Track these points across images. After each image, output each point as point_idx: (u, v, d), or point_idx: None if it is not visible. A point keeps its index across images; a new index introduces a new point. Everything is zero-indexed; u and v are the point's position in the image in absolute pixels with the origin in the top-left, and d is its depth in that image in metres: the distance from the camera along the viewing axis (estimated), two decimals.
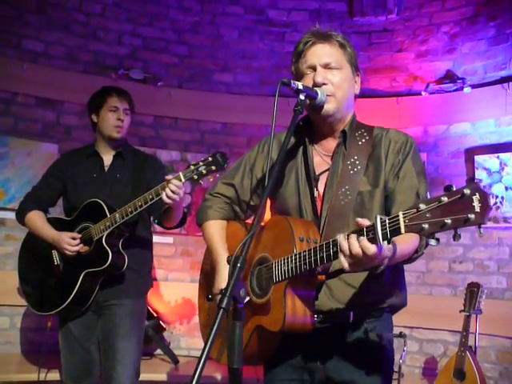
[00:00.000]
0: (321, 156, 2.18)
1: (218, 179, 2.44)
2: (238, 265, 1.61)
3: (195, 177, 2.81)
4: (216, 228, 2.32)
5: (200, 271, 2.49)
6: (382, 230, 1.59)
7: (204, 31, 5.62)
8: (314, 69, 2.09)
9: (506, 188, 4.63)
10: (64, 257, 3.33)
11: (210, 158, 2.79)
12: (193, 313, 5.02)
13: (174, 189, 2.85)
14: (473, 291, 4.11)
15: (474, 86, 4.92)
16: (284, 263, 1.96)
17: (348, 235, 1.69)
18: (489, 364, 4.58)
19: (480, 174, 4.72)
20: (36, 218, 3.45)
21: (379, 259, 1.68)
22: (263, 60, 5.61)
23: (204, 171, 2.79)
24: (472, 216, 1.41)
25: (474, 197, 1.41)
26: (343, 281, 2.04)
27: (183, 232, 5.24)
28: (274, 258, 2.03)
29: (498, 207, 4.62)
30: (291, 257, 1.94)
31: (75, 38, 5.25)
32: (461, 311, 4.09)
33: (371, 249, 1.62)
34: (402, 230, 1.54)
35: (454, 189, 1.46)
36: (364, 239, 1.63)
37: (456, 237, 1.47)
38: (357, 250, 1.64)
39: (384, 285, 2.08)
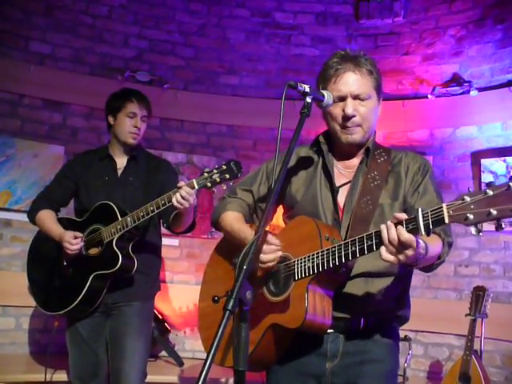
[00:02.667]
0: (339, 170, 2.24)
1: (234, 185, 2.45)
2: (244, 267, 1.60)
3: (209, 184, 2.80)
4: (237, 216, 2.32)
5: (204, 274, 2.48)
6: (423, 220, 1.65)
7: (210, 34, 5.63)
8: (343, 99, 2.13)
9: None
10: (73, 257, 3.33)
11: (224, 166, 2.77)
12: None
13: (185, 195, 2.84)
14: (478, 295, 4.09)
15: (480, 89, 4.92)
16: (308, 260, 1.98)
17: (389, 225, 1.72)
18: (494, 368, 4.57)
19: (486, 178, 4.70)
20: (46, 217, 3.45)
21: (416, 254, 1.71)
22: (269, 63, 5.62)
23: (218, 179, 2.77)
24: None
25: None
26: (359, 286, 2.07)
27: (189, 234, 5.23)
28: (294, 257, 2.04)
29: None
30: (317, 253, 1.96)
31: (82, 40, 5.28)
32: (466, 315, 4.08)
33: (410, 239, 1.66)
34: (446, 220, 1.60)
35: (497, 184, 1.52)
36: (402, 229, 1.67)
37: (499, 227, 1.53)
38: (406, 237, 1.67)
39: (397, 295, 2.14)
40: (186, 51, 5.59)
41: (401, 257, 1.70)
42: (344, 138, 2.17)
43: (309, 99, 1.96)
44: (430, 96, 5.11)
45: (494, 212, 1.50)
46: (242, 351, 1.58)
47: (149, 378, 3.51)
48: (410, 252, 1.69)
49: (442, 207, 1.61)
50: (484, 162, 4.79)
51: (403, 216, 1.71)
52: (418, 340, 4.91)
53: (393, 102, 5.21)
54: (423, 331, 4.90)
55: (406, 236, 1.67)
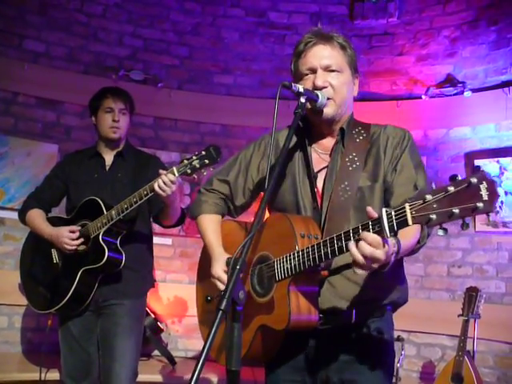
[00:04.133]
0: (318, 154, 2.18)
1: (212, 175, 2.44)
2: (237, 267, 1.60)
3: (188, 171, 2.83)
4: (211, 222, 2.32)
5: (197, 271, 2.49)
6: (388, 222, 1.58)
7: (205, 33, 5.62)
8: (314, 71, 2.08)
9: (506, 193, 4.62)
10: (62, 255, 3.34)
11: (204, 152, 2.80)
12: (190, 314, 5.01)
13: (166, 180, 2.87)
14: (471, 296, 4.10)
15: (474, 90, 4.93)
16: (286, 261, 1.95)
17: (356, 240, 1.66)
18: (487, 369, 4.58)
19: None
20: (35, 216, 3.47)
21: (387, 256, 1.66)
22: (264, 62, 5.62)
23: (197, 165, 2.80)
24: (480, 204, 1.40)
25: (481, 185, 1.41)
26: (345, 277, 2.03)
27: (182, 233, 5.24)
28: (274, 256, 2.02)
29: (497, 212, 4.61)
30: (293, 254, 1.93)
31: (76, 38, 5.26)
32: (459, 316, 4.09)
33: (377, 239, 1.61)
34: (410, 222, 1.54)
35: (460, 178, 1.45)
36: (370, 234, 1.62)
37: (464, 225, 1.47)
38: (368, 250, 1.62)
39: (386, 279, 2.02)
40: (181, 50, 5.58)
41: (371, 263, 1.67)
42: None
43: (303, 99, 1.95)
44: (423, 97, 5.12)
45: (457, 211, 1.43)
46: (234, 351, 1.58)
47: (141, 378, 3.51)
48: (383, 258, 1.64)
49: (404, 208, 1.54)
50: (477, 162, 4.80)
51: (374, 214, 1.64)
52: (411, 340, 4.92)
53: (387, 103, 5.22)
54: (416, 332, 4.90)
55: (370, 239, 1.62)
